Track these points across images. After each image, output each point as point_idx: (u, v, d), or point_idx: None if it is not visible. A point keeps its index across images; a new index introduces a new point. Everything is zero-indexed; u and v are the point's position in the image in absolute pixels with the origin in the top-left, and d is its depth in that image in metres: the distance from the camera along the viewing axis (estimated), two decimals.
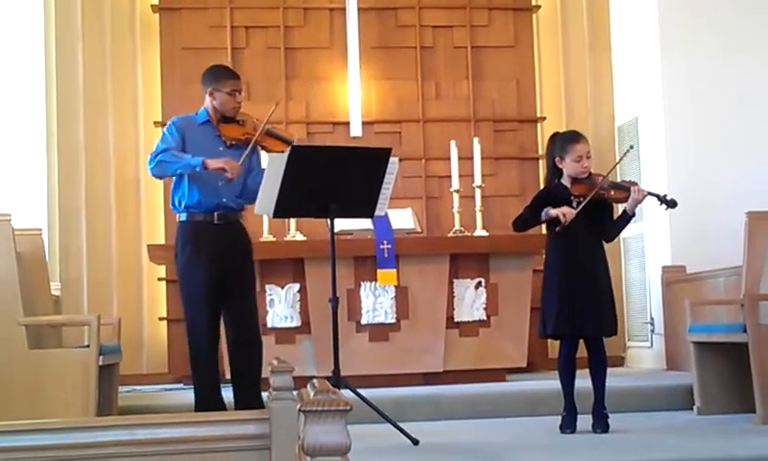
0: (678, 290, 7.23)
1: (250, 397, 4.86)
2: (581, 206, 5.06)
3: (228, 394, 5.12)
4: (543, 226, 5.39)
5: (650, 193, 5.17)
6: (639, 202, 5.15)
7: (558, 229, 5.09)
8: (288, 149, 4.92)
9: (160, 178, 5.19)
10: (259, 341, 5.12)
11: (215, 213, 5.02)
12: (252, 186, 5.07)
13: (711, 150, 7.41)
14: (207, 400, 4.96)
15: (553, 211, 5.09)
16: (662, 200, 5.15)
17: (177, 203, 5.10)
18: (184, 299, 5.06)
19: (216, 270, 4.98)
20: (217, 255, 4.99)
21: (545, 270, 5.28)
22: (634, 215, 5.25)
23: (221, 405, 4.99)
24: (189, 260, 5.02)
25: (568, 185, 5.19)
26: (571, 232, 5.07)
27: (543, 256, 5.40)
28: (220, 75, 5.17)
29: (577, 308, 5.10)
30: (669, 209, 5.23)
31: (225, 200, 5.01)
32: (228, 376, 5.38)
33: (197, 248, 5.01)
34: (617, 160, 5.27)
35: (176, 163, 4.96)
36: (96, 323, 5.34)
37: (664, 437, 5.07)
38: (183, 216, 5.09)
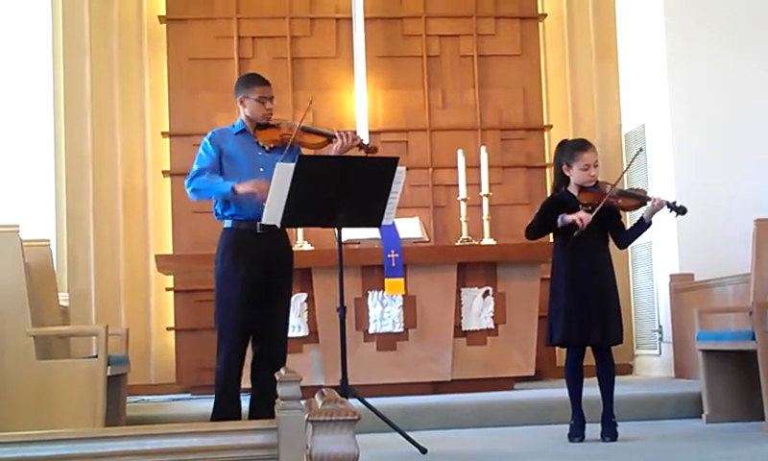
0: (686, 298, 7.21)
1: (265, 408, 4.83)
2: (596, 210, 5.05)
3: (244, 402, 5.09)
4: (551, 233, 5.37)
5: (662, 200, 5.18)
6: (657, 211, 5.15)
7: (575, 233, 5.07)
8: (330, 144, 5.04)
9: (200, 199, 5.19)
10: (283, 358, 5.09)
11: (258, 223, 5.00)
12: None
13: (719, 157, 7.40)
14: (225, 408, 4.94)
15: (569, 217, 5.09)
16: (672, 207, 5.14)
17: (220, 211, 5.10)
18: (218, 305, 5.04)
19: (253, 281, 4.96)
20: (256, 265, 4.97)
21: (552, 278, 5.28)
22: (651, 224, 5.24)
23: (237, 413, 4.97)
24: (228, 268, 5.01)
25: (575, 193, 5.19)
26: (578, 240, 5.07)
27: (550, 265, 5.38)
28: (249, 82, 5.17)
29: (584, 316, 5.10)
30: (679, 216, 5.23)
31: (263, 208, 4.97)
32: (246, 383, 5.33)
33: (236, 256, 4.99)
34: (628, 164, 5.28)
35: (208, 191, 5.00)
36: (104, 333, 5.34)
37: (673, 445, 5.05)
38: (228, 223, 5.08)
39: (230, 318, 4.98)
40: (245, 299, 4.96)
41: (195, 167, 5.06)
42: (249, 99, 5.11)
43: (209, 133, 5.17)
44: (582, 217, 5.05)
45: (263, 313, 5.03)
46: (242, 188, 4.92)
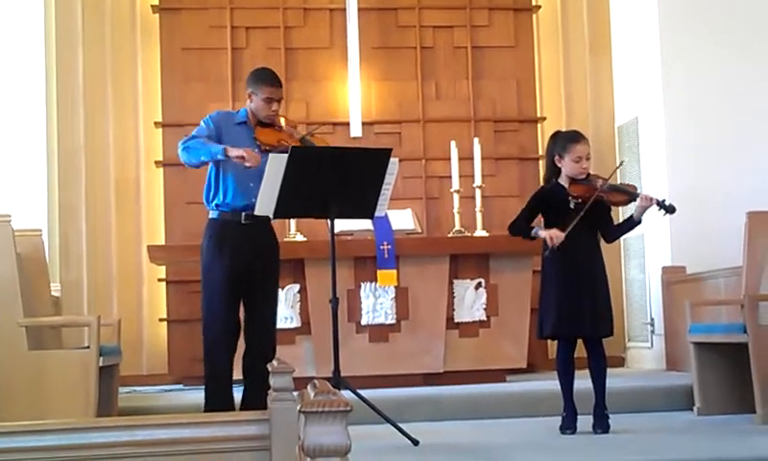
0: (678, 290, 7.23)
1: (258, 399, 4.84)
2: (569, 228, 5.03)
3: (237, 393, 5.10)
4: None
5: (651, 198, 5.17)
6: (647, 208, 5.14)
7: (546, 252, 5.09)
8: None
9: (188, 165, 5.12)
10: (273, 347, 5.09)
11: (243, 213, 5.02)
12: None
13: (712, 150, 7.41)
14: (217, 397, 4.95)
15: (542, 233, 5.10)
16: (661, 205, 5.13)
17: (209, 199, 5.10)
18: (204, 294, 5.08)
19: (237, 270, 4.98)
20: (240, 254, 4.99)
21: (543, 271, 5.26)
22: (640, 222, 5.23)
23: (229, 403, 4.98)
24: (212, 256, 5.03)
25: (566, 185, 5.19)
26: (569, 234, 5.06)
27: (541, 257, 5.38)
28: (260, 80, 5.17)
29: (575, 309, 5.10)
30: (668, 214, 5.21)
31: (254, 200, 4.98)
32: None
33: (221, 244, 5.02)
34: (611, 173, 5.28)
35: (200, 150, 4.98)
36: (96, 324, 5.34)
37: (665, 437, 5.07)
38: (214, 214, 5.11)
39: (215, 307, 5.00)
40: (229, 288, 4.97)
41: (192, 133, 5.10)
42: (256, 96, 5.14)
43: (213, 112, 5.21)
44: (553, 236, 5.04)
45: (250, 303, 5.04)
46: (234, 152, 4.93)
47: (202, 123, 5.14)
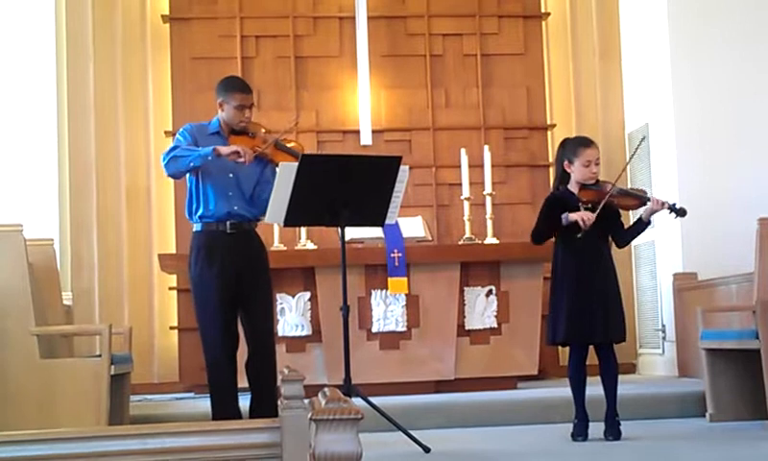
0: (689, 297, 7.21)
1: (264, 406, 4.85)
2: (599, 209, 5.05)
3: (244, 402, 5.10)
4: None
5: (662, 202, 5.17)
6: (656, 211, 5.14)
7: (579, 234, 5.05)
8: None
9: (176, 176, 5.13)
10: (273, 351, 5.09)
11: (227, 222, 5.01)
12: (262, 197, 5.05)
13: (722, 156, 7.39)
14: (223, 409, 4.95)
15: (573, 216, 5.08)
16: (672, 208, 5.14)
17: (192, 212, 5.11)
18: (197, 308, 5.05)
19: (228, 278, 4.97)
20: (229, 264, 4.98)
21: (553, 277, 5.27)
22: (649, 223, 5.24)
23: (237, 413, 4.98)
24: (202, 269, 5.01)
25: (575, 191, 5.19)
26: (579, 238, 5.06)
27: (551, 263, 5.37)
28: (230, 88, 5.16)
29: (586, 315, 5.09)
30: (678, 218, 5.21)
31: (236, 208, 5.00)
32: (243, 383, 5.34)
33: (209, 257, 5.00)
34: (632, 153, 5.27)
35: (188, 156, 4.97)
36: (107, 332, 5.35)
37: (677, 444, 5.05)
38: (198, 226, 5.09)
39: (209, 318, 4.98)
40: (221, 297, 4.95)
41: (171, 145, 5.11)
42: (228, 104, 5.11)
43: (186, 125, 5.20)
44: (584, 217, 5.05)
45: (246, 312, 5.03)
46: (225, 149, 4.92)
47: (178, 136, 5.12)
